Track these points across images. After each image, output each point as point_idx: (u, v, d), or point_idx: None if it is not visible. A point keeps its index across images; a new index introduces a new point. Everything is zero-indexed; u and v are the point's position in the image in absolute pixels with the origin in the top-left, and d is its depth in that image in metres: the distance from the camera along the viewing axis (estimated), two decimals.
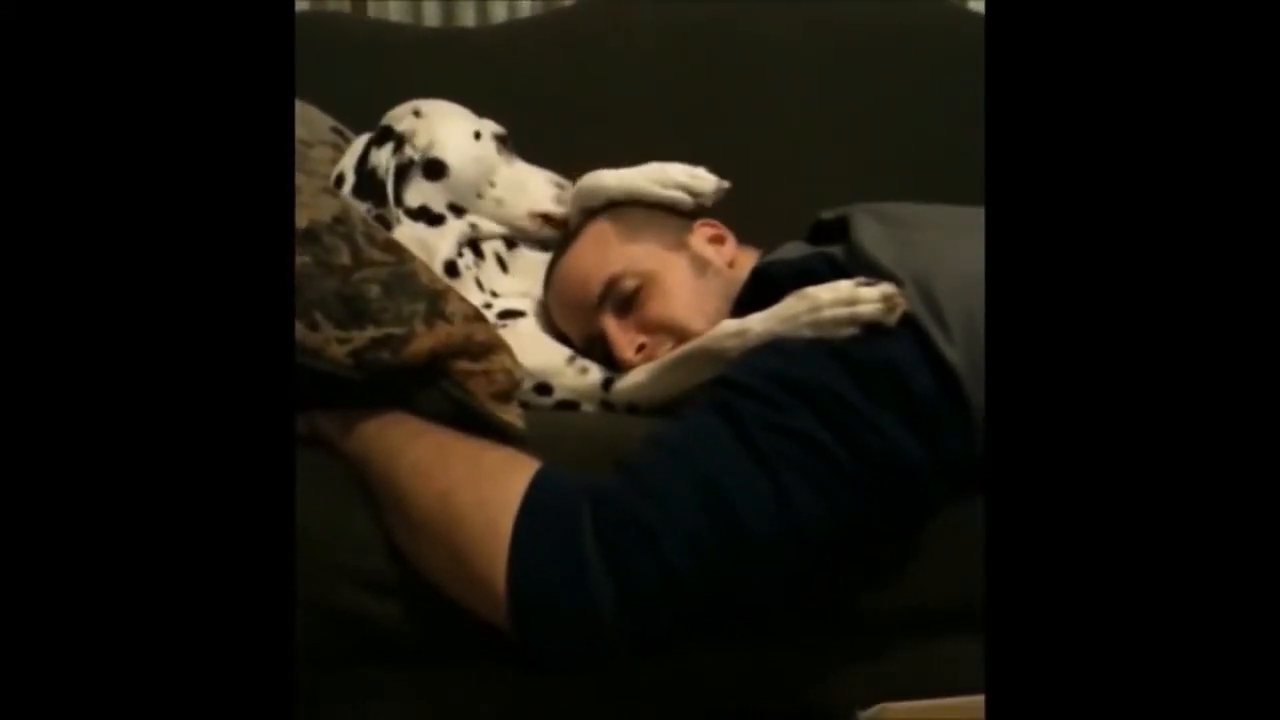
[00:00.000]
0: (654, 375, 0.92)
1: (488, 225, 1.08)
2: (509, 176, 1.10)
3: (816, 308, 0.79)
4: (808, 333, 0.79)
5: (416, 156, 1.06)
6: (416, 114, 1.10)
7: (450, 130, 1.09)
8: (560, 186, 1.11)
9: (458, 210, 1.07)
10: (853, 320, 0.78)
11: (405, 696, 0.87)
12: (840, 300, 0.79)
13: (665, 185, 1.04)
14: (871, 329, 0.78)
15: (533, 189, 1.10)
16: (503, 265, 1.10)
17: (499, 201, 1.08)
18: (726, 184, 1.03)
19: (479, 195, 1.08)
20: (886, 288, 0.78)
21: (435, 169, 1.06)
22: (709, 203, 1.04)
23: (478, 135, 1.09)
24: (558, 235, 1.09)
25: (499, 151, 1.10)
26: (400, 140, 1.06)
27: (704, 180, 1.03)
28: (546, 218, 1.10)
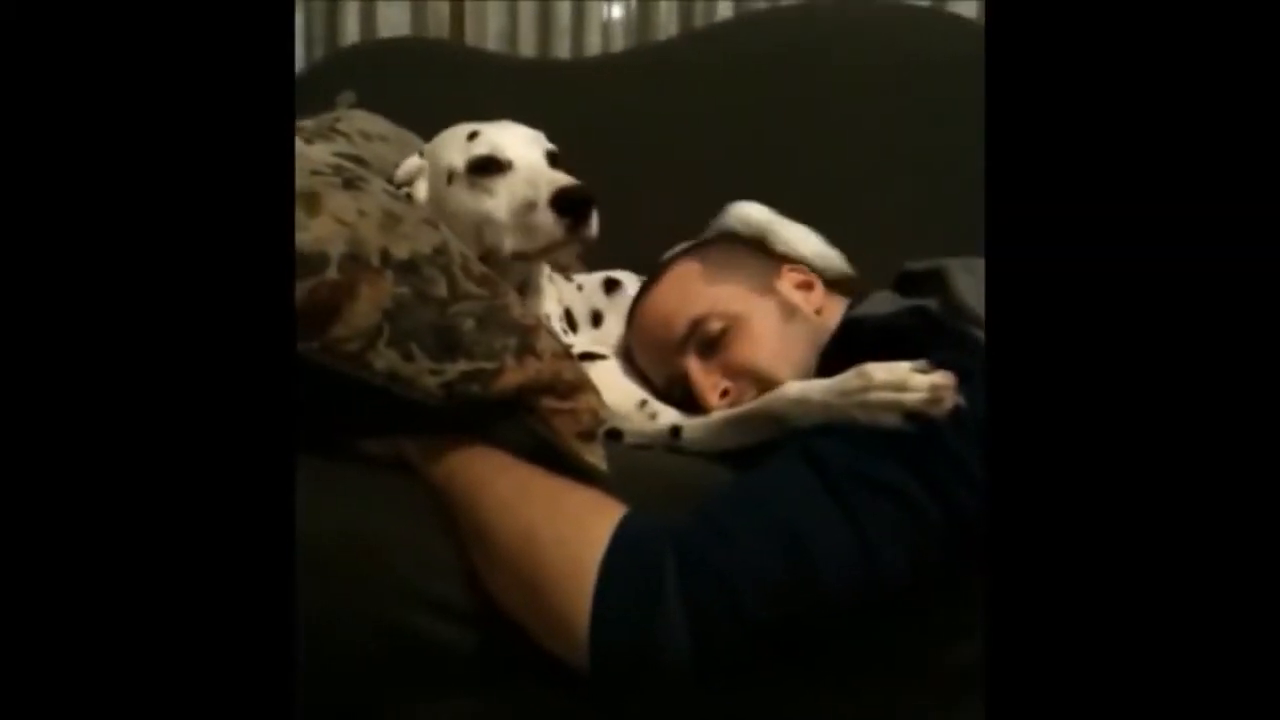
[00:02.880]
0: (716, 431, 0.91)
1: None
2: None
3: (867, 388, 0.77)
4: (858, 413, 0.77)
5: None
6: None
7: None
8: None
9: None
10: (898, 407, 0.76)
11: None
12: (890, 384, 0.76)
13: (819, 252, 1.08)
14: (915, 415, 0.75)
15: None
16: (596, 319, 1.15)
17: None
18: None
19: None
20: (938, 378, 0.75)
21: None
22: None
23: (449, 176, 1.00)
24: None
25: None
26: None
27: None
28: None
